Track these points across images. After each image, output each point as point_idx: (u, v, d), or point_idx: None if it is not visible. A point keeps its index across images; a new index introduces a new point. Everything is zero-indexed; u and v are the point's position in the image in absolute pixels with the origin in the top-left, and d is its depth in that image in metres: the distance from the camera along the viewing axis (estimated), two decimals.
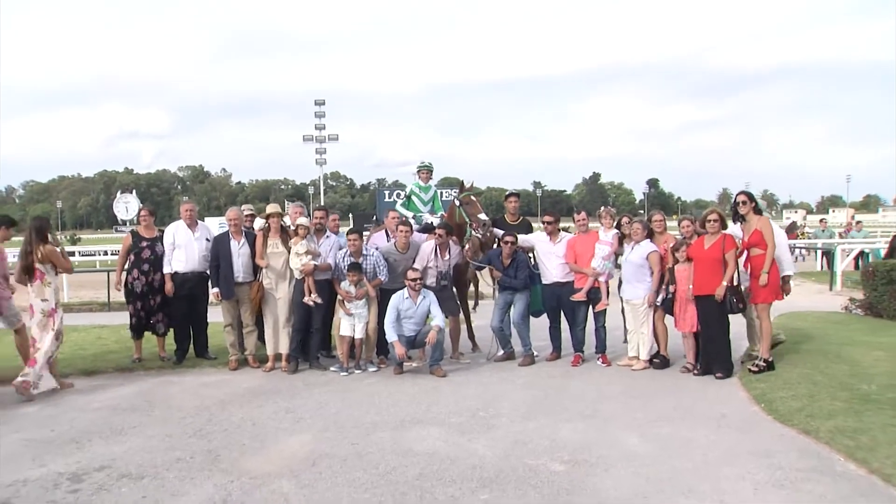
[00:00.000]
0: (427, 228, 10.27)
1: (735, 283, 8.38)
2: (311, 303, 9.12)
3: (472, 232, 9.74)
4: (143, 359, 9.75)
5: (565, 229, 10.10)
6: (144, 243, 9.62)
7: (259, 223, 9.77)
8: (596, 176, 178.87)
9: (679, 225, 9.28)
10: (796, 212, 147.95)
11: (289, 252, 9.14)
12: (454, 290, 9.94)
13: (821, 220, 29.12)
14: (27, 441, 6.52)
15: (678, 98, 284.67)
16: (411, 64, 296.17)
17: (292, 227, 9.53)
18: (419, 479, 5.38)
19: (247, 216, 10.07)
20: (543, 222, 9.71)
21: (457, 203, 10.00)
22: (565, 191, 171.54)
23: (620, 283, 9.38)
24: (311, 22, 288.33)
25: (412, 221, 10.02)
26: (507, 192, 10.83)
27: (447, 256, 9.52)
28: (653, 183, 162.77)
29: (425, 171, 10.96)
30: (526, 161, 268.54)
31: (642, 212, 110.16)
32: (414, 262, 9.38)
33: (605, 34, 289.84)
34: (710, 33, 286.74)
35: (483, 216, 9.64)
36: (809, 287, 19.12)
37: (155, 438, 6.53)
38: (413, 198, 10.95)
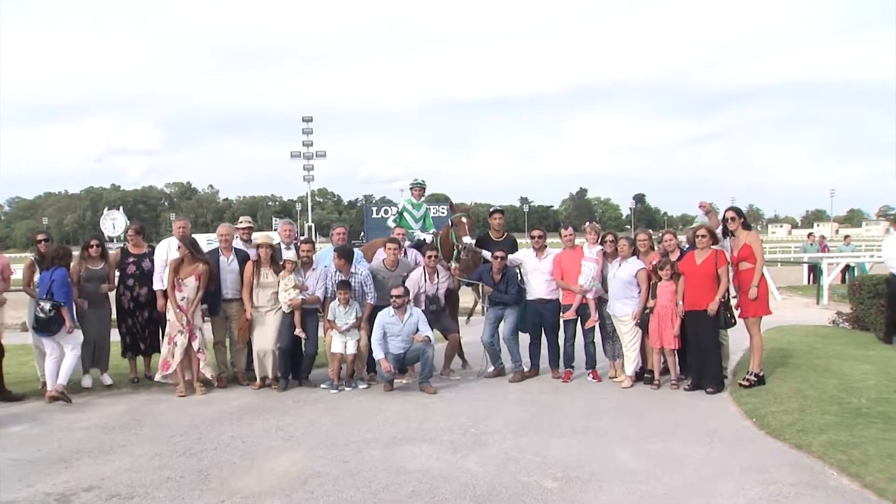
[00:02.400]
0: (418, 245, 10.27)
1: (726, 299, 8.41)
2: (301, 335, 9.13)
3: (460, 252, 9.76)
4: (138, 378, 9.67)
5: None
6: (130, 259, 9.57)
7: (255, 236, 9.67)
8: (583, 191, 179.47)
9: (662, 238, 9.29)
10: (781, 226, 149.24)
11: (278, 282, 9.09)
12: (447, 310, 9.94)
13: (808, 235, 29.32)
14: (14, 461, 6.44)
15: (665, 114, 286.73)
16: (399, 80, 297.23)
17: (283, 245, 9.51)
18: (411, 498, 5.34)
19: (244, 229, 10.05)
20: (531, 237, 9.72)
21: (450, 223, 10.03)
22: (552, 206, 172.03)
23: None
24: (299, 38, 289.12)
25: (399, 238, 10.01)
26: (491, 209, 10.84)
27: (436, 280, 9.52)
28: (639, 198, 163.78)
29: (418, 188, 10.98)
30: (513, 177, 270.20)
31: (629, 227, 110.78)
32: (404, 280, 9.38)
33: (593, 52, 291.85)
34: (695, 51, 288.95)
35: (467, 239, 9.69)
36: (797, 301, 19.27)
37: (144, 457, 6.46)
38: (405, 214, 10.96)
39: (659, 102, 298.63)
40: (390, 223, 11.37)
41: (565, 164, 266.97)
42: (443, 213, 18.02)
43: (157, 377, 9.05)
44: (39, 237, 9.49)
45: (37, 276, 8.96)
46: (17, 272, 10.08)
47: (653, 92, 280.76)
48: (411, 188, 11.07)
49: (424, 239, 10.55)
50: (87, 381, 9.36)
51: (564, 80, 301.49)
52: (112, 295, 9.59)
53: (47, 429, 7.51)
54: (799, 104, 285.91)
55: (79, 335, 8.78)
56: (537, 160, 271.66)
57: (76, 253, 9.46)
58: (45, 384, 8.88)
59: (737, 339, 9.16)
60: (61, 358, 8.61)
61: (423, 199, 11.12)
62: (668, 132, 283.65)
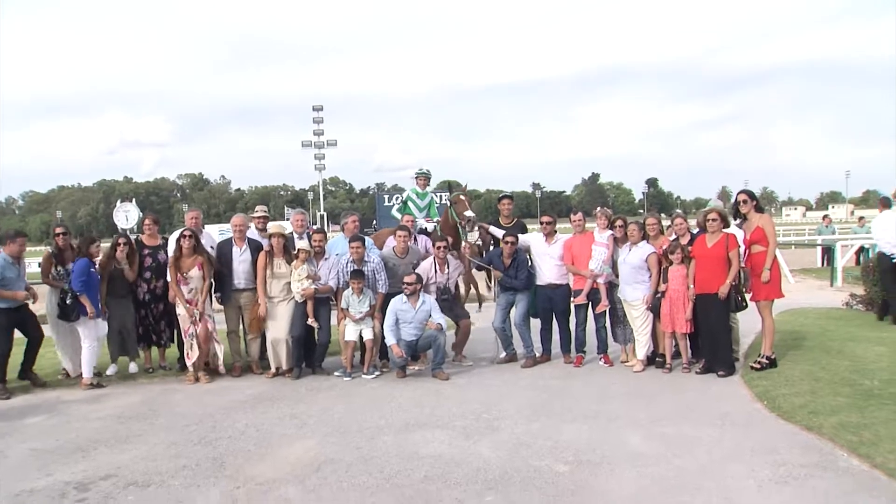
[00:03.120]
0: (422, 233, 10.32)
1: (737, 282, 8.41)
2: (313, 324, 9.20)
3: (464, 229, 9.83)
4: (153, 367, 9.83)
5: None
6: (146, 251, 9.61)
7: (269, 226, 9.72)
8: (595, 176, 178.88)
9: (672, 222, 9.28)
10: (795, 209, 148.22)
11: (291, 272, 9.16)
12: (458, 298, 10.00)
13: (824, 217, 29.22)
14: (33, 450, 6.55)
15: (677, 99, 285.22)
16: (410, 69, 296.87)
17: (296, 235, 9.57)
18: (424, 483, 5.40)
19: (259, 218, 10.11)
20: (541, 223, 9.73)
21: (449, 204, 10.09)
22: (564, 192, 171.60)
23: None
24: (309, 27, 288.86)
25: (408, 226, 10.06)
26: (500, 195, 10.86)
27: (447, 270, 9.56)
28: (652, 182, 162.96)
29: (423, 177, 11.05)
30: (526, 163, 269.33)
31: (642, 211, 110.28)
32: (414, 267, 9.43)
33: (604, 37, 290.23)
34: (709, 34, 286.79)
35: (469, 213, 9.78)
36: (810, 283, 19.18)
37: (160, 446, 6.55)
38: (409, 203, 11.02)
39: (672, 86, 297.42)
40: (394, 212, 11.50)
41: (577, 149, 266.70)
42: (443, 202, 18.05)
43: (189, 373, 9.18)
44: (58, 230, 9.67)
45: (53, 270, 9.17)
46: (31, 266, 10.19)
47: (666, 76, 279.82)
48: (416, 177, 11.13)
49: (426, 227, 10.58)
50: (112, 370, 9.53)
51: (576, 65, 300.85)
52: None
53: (65, 419, 7.62)
54: (814, 86, 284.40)
55: (100, 328, 9.03)
56: (549, 146, 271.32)
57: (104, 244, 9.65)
58: (66, 374, 9.25)
59: (749, 322, 9.14)
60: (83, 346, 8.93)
61: (427, 188, 11.15)
62: (681, 116, 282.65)
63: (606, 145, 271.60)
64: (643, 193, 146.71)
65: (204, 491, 5.41)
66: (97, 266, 9.15)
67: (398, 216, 10.95)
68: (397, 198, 15.92)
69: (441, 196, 16.02)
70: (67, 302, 8.70)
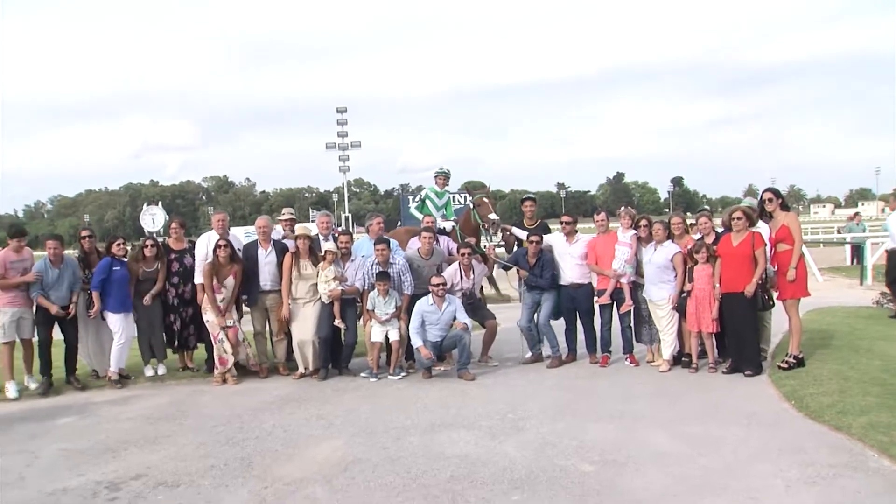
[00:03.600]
0: (441, 233, 10.35)
1: (763, 281, 8.36)
2: (340, 325, 9.26)
3: (488, 231, 9.85)
4: (191, 367, 10.00)
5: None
6: (173, 255, 9.71)
7: (297, 228, 9.80)
8: (620, 176, 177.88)
9: (697, 221, 9.23)
10: (824, 206, 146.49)
11: (317, 273, 9.23)
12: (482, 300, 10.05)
13: (855, 215, 28.89)
14: (65, 451, 6.66)
15: (702, 95, 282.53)
16: (432, 69, 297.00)
17: (322, 237, 9.64)
18: (450, 483, 5.43)
19: (286, 220, 10.18)
20: (561, 223, 9.74)
21: (470, 206, 10.11)
22: (589, 191, 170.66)
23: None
24: (333, 29, 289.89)
25: (432, 227, 10.11)
26: (522, 197, 10.87)
27: (472, 276, 9.59)
28: (677, 181, 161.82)
29: (442, 176, 11.06)
30: (550, 162, 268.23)
31: (667, 210, 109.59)
32: (438, 269, 9.46)
33: (627, 35, 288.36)
34: (731, 30, 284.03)
35: (493, 216, 9.81)
36: (839, 282, 18.98)
37: (189, 447, 6.64)
38: (427, 202, 11.02)
39: (696, 83, 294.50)
40: (413, 211, 11.53)
41: (601, 148, 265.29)
42: (461, 203, 18.07)
43: (217, 373, 9.26)
44: (84, 234, 9.85)
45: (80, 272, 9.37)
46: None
47: (689, 73, 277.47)
48: (435, 176, 11.13)
49: (444, 228, 10.60)
50: (148, 371, 9.67)
51: (599, 63, 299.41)
52: None
53: (95, 420, 7.74)
54: (842, 80, 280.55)
55: (129, 328, 9.33)
56: (573, 145, 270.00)
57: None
58: (96, 374, 9.55)
59: (778, 322, 9.08)
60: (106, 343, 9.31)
61: (446, 187, 11.17)
62: (705, 113, 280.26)
63: (631, 144, 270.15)
64: (669, 192, 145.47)
65: (232, 491, 5.48)
66: (125, 266, 9.32)
67: (418, 215, 11.01)
68: (417, 197, 15.99)
69: (465, 197, 16.06)
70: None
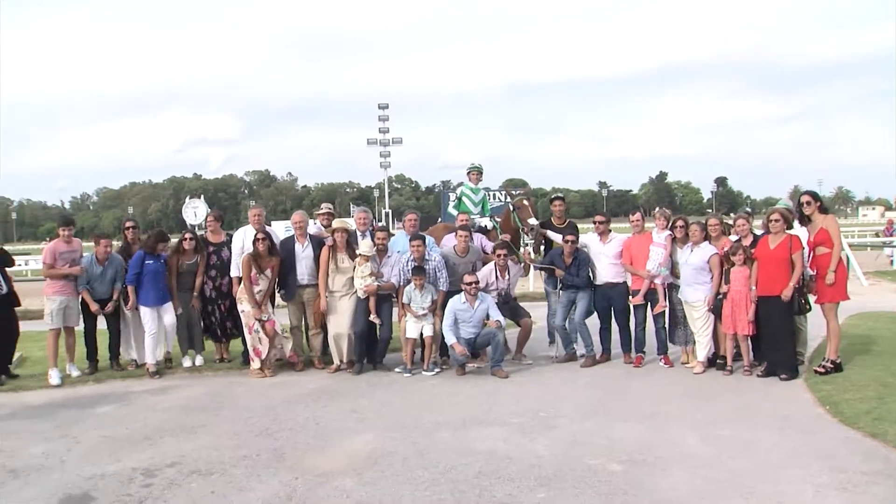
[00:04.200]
0: (479, 231, 10.38)
1: (800, 284, 8.28)
2: (375, 321, 9.36)
3: (526, 235, 9.84)
4: (226, 358, 10.18)
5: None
6: (211, 248, 9.89)
7: (335, 222, 9.89)
8: (662, 175, 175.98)
9: (734, 223, 9.17)
10: (873, 208, 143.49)
11: (354, 267, 9.33)
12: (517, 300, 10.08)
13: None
14: (104, 438, 6.85)
15: (747, 94, 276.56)
16: (476, 65, 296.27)
17: (359, 233, 9.74)
18: (478, 478, 5.48)
19: (324, 214, 10.29)
20: (594, 222, 9.75)
21: (511, 208, 10.11)
22: (631, 190, 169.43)
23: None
24: (375, 25, 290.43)
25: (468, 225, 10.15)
26: (552, 196, 10.85)
27: (507, 276, 9.63)
28: (721, 181, 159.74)
29: (475, 172, 11.05)
30: (591, 161, 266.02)
31: (710, 210, 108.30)
32: (473, 267, 9.50)
33: (672, 33, 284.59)
34: (777, 27, 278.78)
35: (532, 220, 9.79)
36: (885, 286, 18.63)
37: (223, 437, 6.77)
38: (464, 199, 11.03)
39: (743, 81, 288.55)
40: (451, 210, 11.56)
41: (645, 147, 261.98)
42: (500, 201, 18.03)
43: (254, 366, 9.42)
44: (127, 225, 10.17)
45: None
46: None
47: (735, 71, 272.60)
48: (468, 172, 11.12)
49: (485, 225, 10.61)
50: (186, 362, 9.89)
51: (644, 61, 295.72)
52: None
53: (133, 409, 7.92)
54: (893, 78, 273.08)
55: (165, 319, 9.52)
56: (616, 143, 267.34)
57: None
58: (136, 364, 9.80)
59: (816, 326, 8.97)
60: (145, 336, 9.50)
61: (480, 183, 11.17)
62: (752, 112, 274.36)
63: (675, 143, 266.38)
64: (712, 192, 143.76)
65: (264, 480, 5.58)
66: (164, 261, 9.56)
67: (455, 213, 11.03)
68: (452, 195, 15.99)
69: (504, 195, 16.06)
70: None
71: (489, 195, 11.46)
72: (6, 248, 10.63)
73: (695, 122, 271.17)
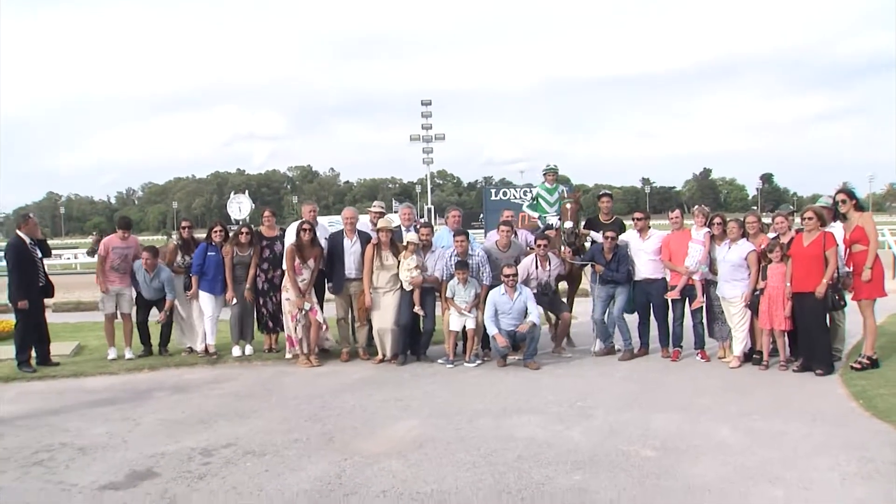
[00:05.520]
0: (547, 228, 10.65)
1: (834, 281, 8.40)
2: (419, 312, 9.67)
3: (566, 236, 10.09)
4: (274, 349, 10.57)
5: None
6: (265, 242, 10.26)
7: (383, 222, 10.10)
8: (707, 172, 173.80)
9: (773, 220, 9.30)
10: None
11: (398, 264, 9.66)
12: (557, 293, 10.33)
13: None
14: (162, 420, 7.25)
15: (796, 90, 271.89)
16: (519, 62, 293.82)
17: (403, 228, 10.06)
18: (517, 461, 5.75)
19: (376, 212, 10.58)
20: (634, 219, 9.98)
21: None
22: (675, 187, 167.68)
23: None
24: (419, 23, 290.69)
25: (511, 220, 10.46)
26: (599, 192, 11.06)
27: (548, 267, 9.87)
28: (767, 178, 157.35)
29: (551, 173, 11.25)
30: (635, 157, 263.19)
31: (755, 207, 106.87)
32: (517, 261, 9.77)
33: (718, 27, 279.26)
34: (827, 21, 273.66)
35: (568, 224, 10.06)
36: None
37: (274, 421, 7.13)
38: (539, 200, 11.20)
39: (791, 77, 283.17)
40: (525, 208, 11.87)
41: (689, 143, 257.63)
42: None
43: (288, 354, 9.83)
44: (184, 224, 10.90)
45: (178, 258, 10.42)
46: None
47: (784, 66, 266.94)
48: (545, 173, 11.31)
49: (552, 224, 10.81)
50: (236, 351, 10.33)
51: (689, 57, 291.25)
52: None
53: (187, 395, 8.34)
54: None
55: (219, 306, 10.20)
56: (660, 140, 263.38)
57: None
58: (190, 350, 10.46)
59: (855, 323, 9.01)
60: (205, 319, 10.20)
61: (556, 183, 11.34)
62: (800, 108, 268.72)
63: (720, 139, 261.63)
64: (757, 189, 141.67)
65: (314, 461, 5.91)
66: (221, 251, 10.07)
67: (531, 213, 11.41)
68: (526, 192, 16.20)
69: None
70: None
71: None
72: (50, 241, 11.54)
73: (743, 118, 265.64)
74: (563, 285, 10.77)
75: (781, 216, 9.23)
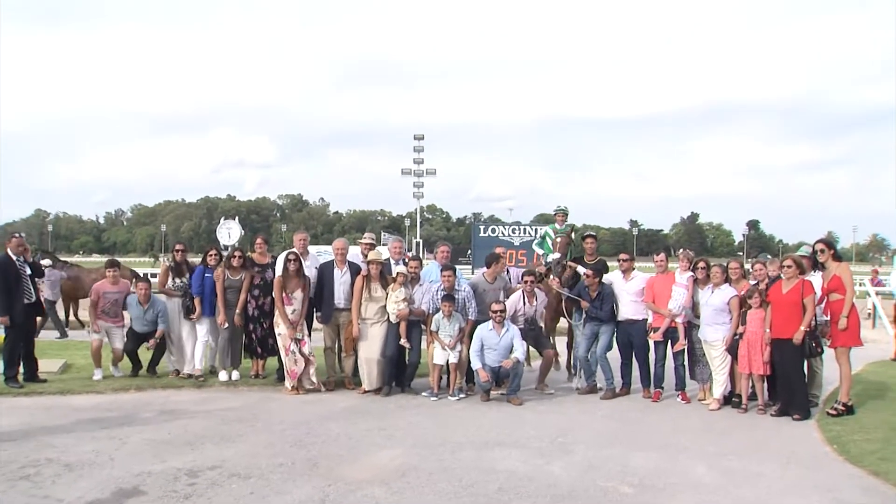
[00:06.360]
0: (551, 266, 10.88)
1: (812, 328, 8.60)
2: (405, 345, 9.80)
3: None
4: (262, 374, 10.62)
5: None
6: (256, 268, 10.36)
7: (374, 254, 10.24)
8: (694, 216, 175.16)
9: (752, 268, 9.54)
10: None
11: (386, 296, 9.80)
12: (543, 329, 10.51)
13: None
14: (148, 440, 7.33)
15: (784, 139, 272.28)
16: (513, 100, 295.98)
17: (393, 261, 10.22)
18: (498, 493, 5.87)
19: (367, 244, 10.74)
20: (619, 260, 10.21)
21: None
22: (662, 230, 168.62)
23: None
24: (415, 56, 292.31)
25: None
26: (584, 234, 11.32)
27: (535, 302, 10.06)
28: (753, 224, 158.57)
29: (561, 213, 11.49)
30: (625, 198, 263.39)
31: (741, 253, 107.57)
32: (502, 293, 9.93)
33: (710, 74, 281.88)
34: (816, 74, 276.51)
35: (553, 255, 10.58)
36: None
37: (259, 445, 7.22)
38: (547, 239, 11.42)
39: (780, 126, 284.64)
40: (534, 247, 12.41)
41: (679, 187, 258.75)
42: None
43: (288, 384, 9.84)
44: (178, 247, 11.09)
45: (169, 281, 10.53)
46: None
47: (774, 115, 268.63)
48: (555, 214, 11.58)
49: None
50: (223, 376, 10.41)
51: (680, 101, 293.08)
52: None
53: (173, 416, 8.40)
54: None
55: (213, 329, 10.36)
56: (650, 182, 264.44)
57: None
58: (177, 372, 10.58)
59: (833, 369, 9.15)
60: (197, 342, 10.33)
61: (565, 224, 11.50)
62: (787, 157, 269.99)
63: (708, 184, 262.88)
64: (743, 235, 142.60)
65: (299, 485, 6.01)
66: (214, 274, 10.22)
67: (538, 250, 11.82)
68: (538, 230, 16.60)
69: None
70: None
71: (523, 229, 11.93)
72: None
73: (732, 164, 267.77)
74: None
75: (760, 263, 9.48)
